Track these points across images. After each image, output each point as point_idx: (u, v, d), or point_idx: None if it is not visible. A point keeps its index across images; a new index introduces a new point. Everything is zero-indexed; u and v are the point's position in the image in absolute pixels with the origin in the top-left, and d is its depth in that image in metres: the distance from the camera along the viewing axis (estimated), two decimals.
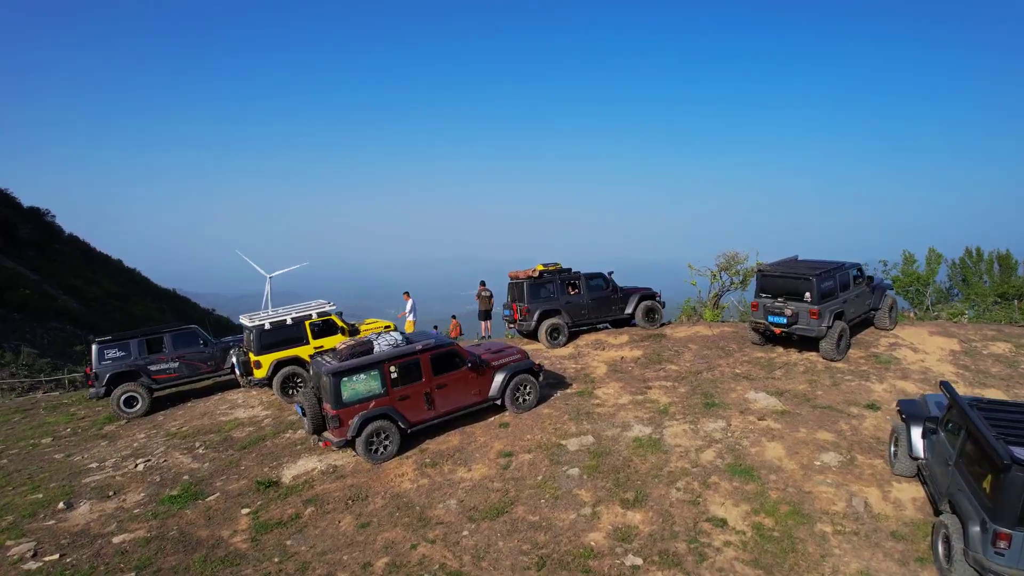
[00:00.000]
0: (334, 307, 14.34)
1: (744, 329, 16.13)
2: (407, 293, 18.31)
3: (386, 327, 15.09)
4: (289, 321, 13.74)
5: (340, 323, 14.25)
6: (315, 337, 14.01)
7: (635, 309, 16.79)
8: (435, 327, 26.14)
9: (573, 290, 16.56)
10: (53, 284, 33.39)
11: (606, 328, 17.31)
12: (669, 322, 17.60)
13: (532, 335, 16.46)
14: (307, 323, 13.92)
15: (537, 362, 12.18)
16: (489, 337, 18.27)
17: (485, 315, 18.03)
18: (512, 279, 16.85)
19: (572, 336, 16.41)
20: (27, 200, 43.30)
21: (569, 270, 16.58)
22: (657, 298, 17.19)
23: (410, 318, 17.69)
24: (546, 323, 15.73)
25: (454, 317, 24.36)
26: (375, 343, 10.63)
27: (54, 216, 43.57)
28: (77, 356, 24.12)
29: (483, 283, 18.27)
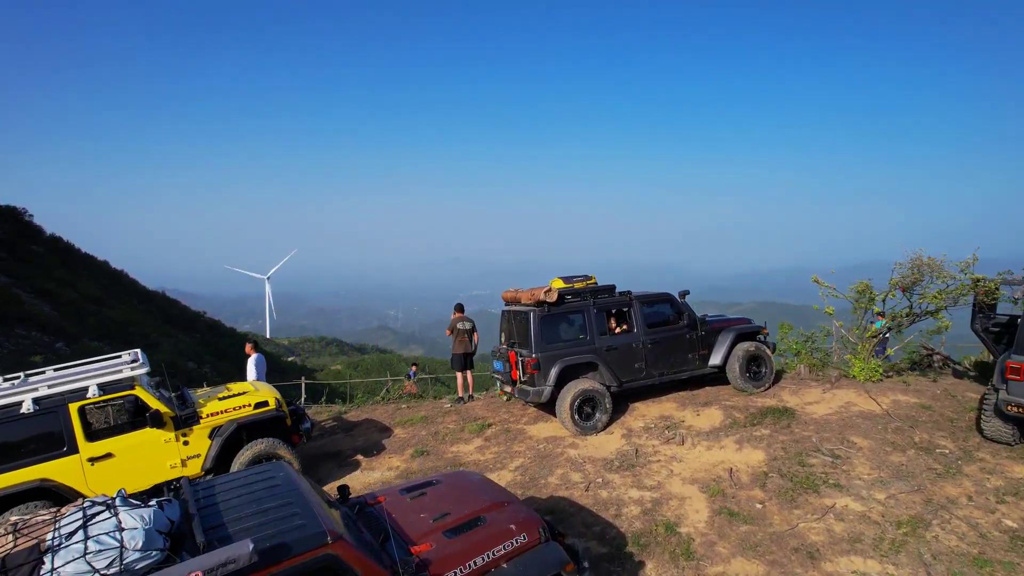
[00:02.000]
0: (140, 369, 6.76)
1: (933, 395, 8.63)
2: (251, 344, 10.44)
3: (258, 406, 7.49)
4: (30, 406, 6.22)
5: (153, 402, 6.69)
6: (93, 437, 6.49)
7: (727, 357, 9.31)
8: (414, 365, 18.41)
9: (619, 324, 9.08)
10: (26, 287, 28.58)
11: (661, 385, 9.84)
12: (780, 376, 10.11)
13: (547, 407, 9.02)
14: (74, 407, 6.40)
15: (570, 561, 4.50)
16: (471, 398, 10.73)
17: (462, 362, 10.50)
18: (508, 304, 9.41)
19: (617, 405, 8.96)
20: (24, 202, 39.12)
21: (611, 288, 9.08)
22: (762, 337, 9.71)
23: (251, 377, 9.84)
24: (572, 389, 8.26)
25: (415, 365, 16.66)
26: (54, 550, 3.11)
27: (32, 216, 38.81)
28: (33, 368, 18.70)
29: (459, 308, 10.72)
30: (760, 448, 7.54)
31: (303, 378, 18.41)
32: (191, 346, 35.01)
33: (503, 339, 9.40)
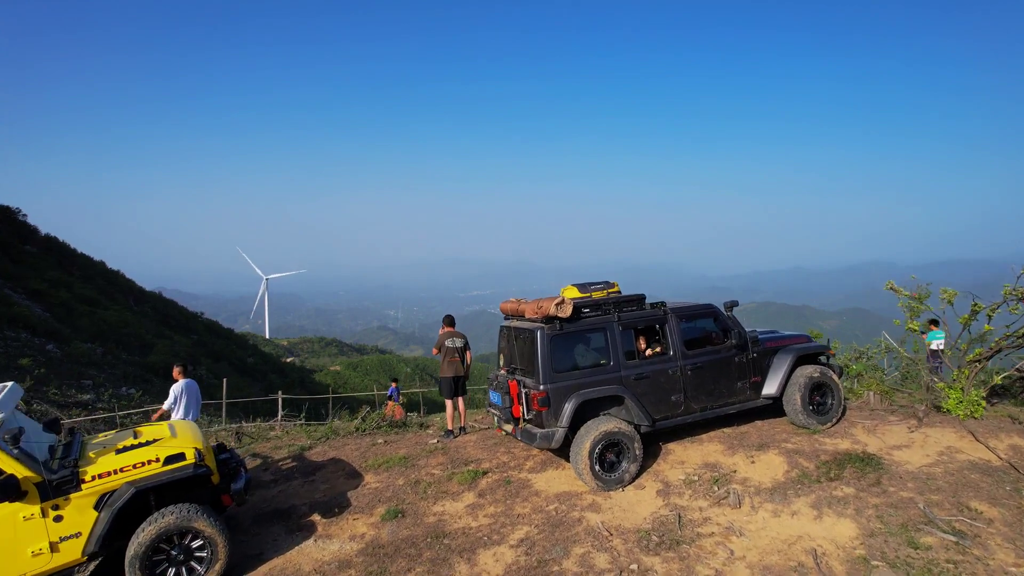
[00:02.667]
0: None
1: None
2: (179, 367, 8.34)
3: (171, 460, 5.50)
4: None
5: (7, 463, 4.68)
6: None
7: (784, 385, 7.32)
8: (394, 380, 16.25)
9: (650, 345, 7.11)
10: (18, 288, 27.49)
11: (700, 421, 7.82)
12: (844, 408, 8.09)
13: (559, 450, 7.02)
14: None
15: None
16: (463, 431, 8.74)
17: (452, 388, 8.48)
18: (510, 318, 7.42)
19: (646, 446, 6.97)
20: (24, 202, 38.64)
21: (639, 299, 7.08)
22: (826, 358, 7.74)
23: (176, 415, 7.90)
24: (592, 431, 6.27)
25: (395, 381, 14.46)
26: None
27: (26, 216, 38.43)
28: (21, 372, 17.65)
29: (449, 321, 8.70)
30: (847, 516, 5.54)
31: (280, 392, 16.48)
32: (186, 347, 33.78)
33: (501, 362, 7.40)
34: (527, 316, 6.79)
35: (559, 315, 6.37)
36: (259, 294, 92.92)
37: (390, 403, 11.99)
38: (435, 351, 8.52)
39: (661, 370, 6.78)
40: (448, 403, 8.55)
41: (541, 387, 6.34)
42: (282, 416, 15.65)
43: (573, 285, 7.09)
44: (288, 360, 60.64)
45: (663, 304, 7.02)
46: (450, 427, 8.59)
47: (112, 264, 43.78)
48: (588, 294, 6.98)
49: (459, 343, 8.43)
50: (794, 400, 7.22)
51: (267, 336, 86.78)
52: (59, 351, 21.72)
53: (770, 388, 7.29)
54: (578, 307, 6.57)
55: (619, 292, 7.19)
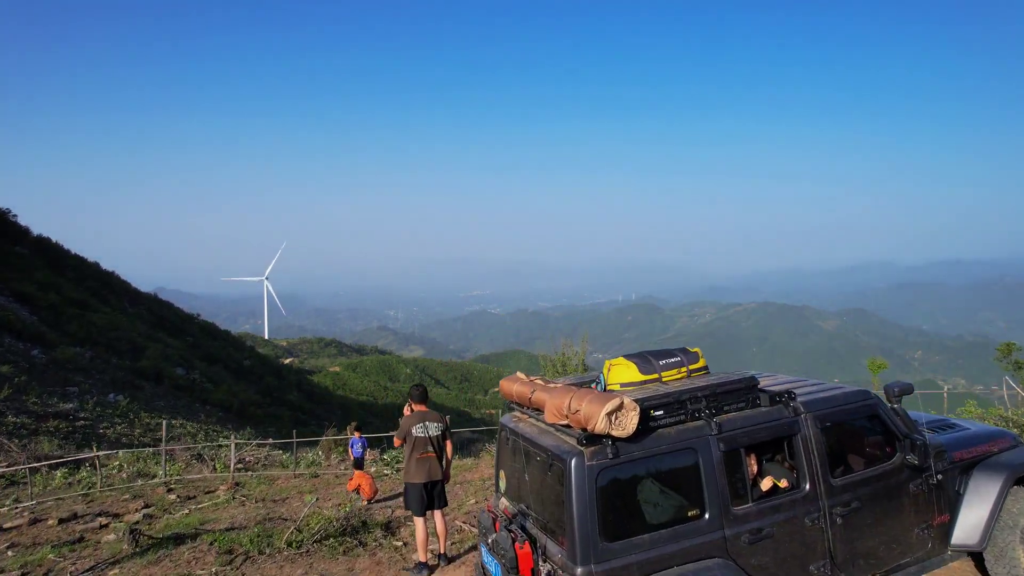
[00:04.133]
0: None
1: None
2: None
3: None
4: None
5: None
6: None
7: (990, 527, 4.21)
8: (358, 430, 12.22)
9: (765, 469, 3.99)
10: (4, 291, 26.36)
11: None
12: None
13: None
14: None
15: None
16: (443, 561, 5.62)
17: (422, 498, 5.33)
18: (514, 408, 4.27)
19: None
20: (20, 203, 36.79)
21: (748, 388, 3.82)
22: None
23: None
24: None
25: (358, 431, 10.79)
26: None
27: (16, 216, 36.81)
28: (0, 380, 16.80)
29: (418, 395, 5.47)
30: None
31: (233, 437, 13.44)
32: (180, 350, 31.62)
33: (502, 487, 4.28)
34: (548, 419, 3.67)
35: (613, 433, 3.25)
36: (265, 296, 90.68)
37: (356, 474, 8.77)
38: (398, 441, 5.40)
39: (792, 520, 3.66)
40: (418, 522, 5.40)
41: (579, 570, 3.24)
42: (235, 468, 12.57)
43: (626, 358, 3.95)
44: (287, 361, 58.47)
45: (791, 396, 3.87)
46: (423, 559, 5.45)
47: (114, 266, 41.78)
48: (654, 375, 3.86)
49: (435, 430, 5.30)
50: (1015, 558, 4.10)
51: (266, 336, 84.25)
52: (44, 356, 20.39)
53: (967, 534, 4.16)
54: (646, 412, 3.44)
55: (706, 368, 4.08)
